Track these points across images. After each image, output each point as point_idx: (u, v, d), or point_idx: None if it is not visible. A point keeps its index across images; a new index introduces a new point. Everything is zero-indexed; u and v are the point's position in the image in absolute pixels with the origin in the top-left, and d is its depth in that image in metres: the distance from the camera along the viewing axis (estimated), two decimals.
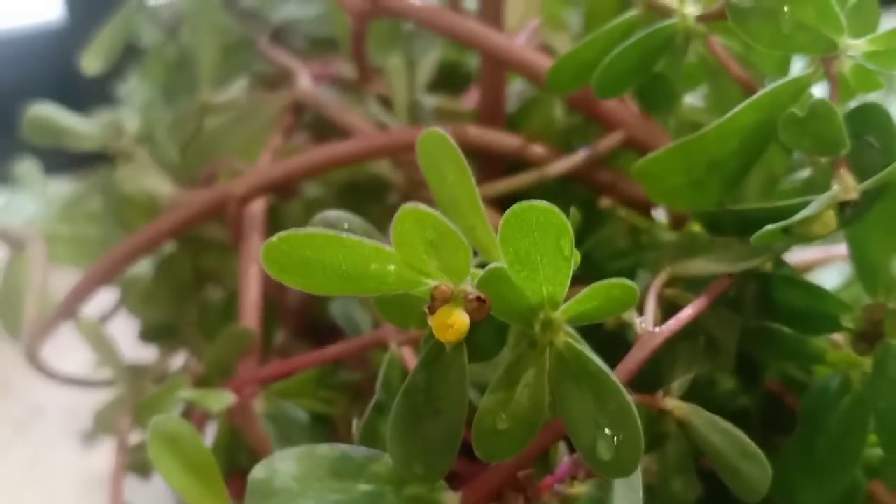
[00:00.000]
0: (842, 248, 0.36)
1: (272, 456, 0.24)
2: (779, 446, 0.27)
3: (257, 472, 0.23)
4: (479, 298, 0.20)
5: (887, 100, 0.53)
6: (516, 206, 0.20)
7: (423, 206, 0.18)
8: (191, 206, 0.34)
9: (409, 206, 0.18)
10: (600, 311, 0.22)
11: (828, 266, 0.37)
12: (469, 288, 0.21)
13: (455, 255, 0.19)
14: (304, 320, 0.43)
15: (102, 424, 0.42)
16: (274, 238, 0.19)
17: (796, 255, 0.35)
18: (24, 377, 0.63)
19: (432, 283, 0.20)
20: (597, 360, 0.21)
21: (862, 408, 0.25)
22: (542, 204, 0.19)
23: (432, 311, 0.20)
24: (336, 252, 0.19)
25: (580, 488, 0.25)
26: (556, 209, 0.19)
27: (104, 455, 0.55)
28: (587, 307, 0.22)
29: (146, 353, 0.43)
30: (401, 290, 0.21)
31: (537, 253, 0.20)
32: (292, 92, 0.37)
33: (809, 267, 0.36)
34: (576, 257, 0.21)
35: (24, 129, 0.40)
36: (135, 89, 0.46)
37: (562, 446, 0.27)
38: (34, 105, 0.40)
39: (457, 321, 0.20)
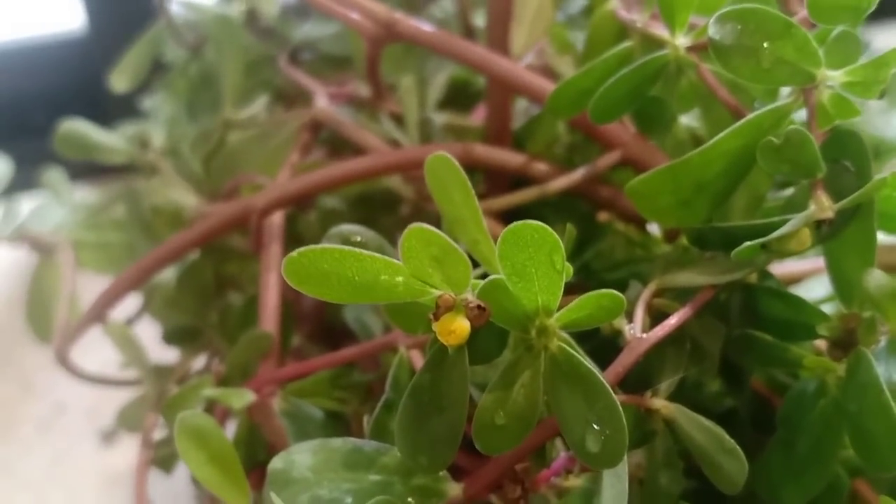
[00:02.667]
0: None
1: (290, 448, 0.26)
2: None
3: (276, 463, 0.25)
4: (479, 306, 0.23)
5: (888, 114, 0.55)
6: (513, 225, 0.22)
7: (427, 227, 0.20)
8: (215, 218, 0.36)
9: (415, 226, 0.20)
10: (591, 318, 0.24)
11: (820, 276, 0.39)
12: (470, 297, 0.23)
13: (456, 269, 0.21)
14: (319, 325, 0.45)
15: (126, 422, 0.45)
16: (294, 253, 0.21)
17: (790, 267, 0.37)
18: (46, 376, 0.65)
19: (437, 292, 0.23)
20: (587, 362, 0.23)
21: (837, 411, 0.26)
22: (536, 223, 0.21)
23: (437, 317, 0.23)
24: (350, 265, 0.21)
25: (575, 482, 0.27)
26: (548, 228, 0.22)
27: (125, 452, 0.57)
28: (579, 315, 0.24)
29: (167, 356, 0.45)
30: (408, 299, 0.23)
31: (532, 266, 0.22)
32: (310, 111, 0.39)
33: (802, 277, 0.38)
34: (567, 270, 0.23)
35: (56, 143, 0.42)
36: (160, 104, 0.48)
37: (558, 443, 0.29)
38: (65, 120, 0.42)
39: (458, 327, 0.22)
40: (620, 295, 0.23)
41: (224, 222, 0.36)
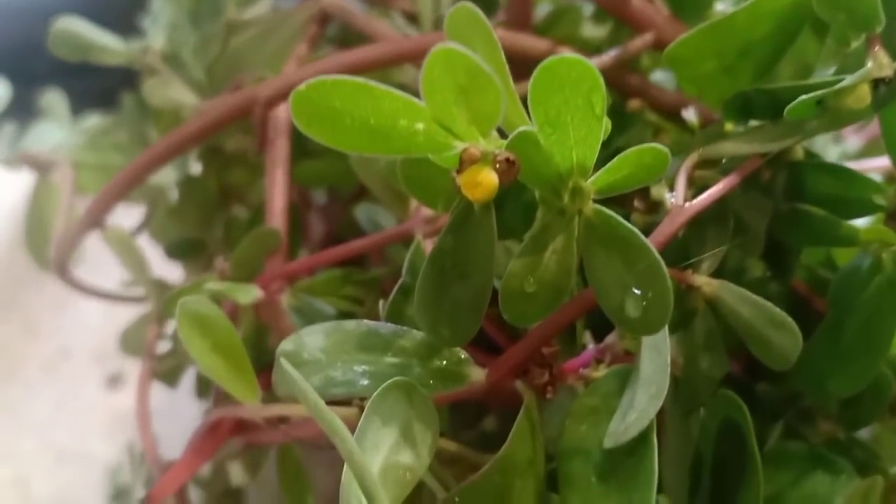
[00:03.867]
0: (874, 162, 0.36)
1: (301, 331, 0.24)
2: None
3: (286, 345, 0.24)
4: (507, 159, 0.20)
5: None
6: (547, 61, 0.19)
7: (454, 46, 0.18)
8: (216, 111, 0.34)
9: (440, 47, 0.18)
10: (631, 178, 0.22)
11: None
12: (498, 150, 0.20)
13: (486, 100, 0.19)
14: (329, 242, 0.43)
15: (129, 345, 0.43)
16: (302, 85, 0.19)
17: None
18: (52, 319, 0.64)
19: (461, 145, 0.20)
20: (626, 223, 0.21)
21: (892, 288, 0.24)
22: (574, 57, 0.19)
23: (461, 172, 0.20)
24: (365, 103, 0.19)
25: (605, 373, 0.25)
26: (587, 62, 0.19)
27: (131, 395, 0.56)
28: (617, 176, 0.22)
29: (172, 276, 0.44)
30: (429, 151, 0.20)
31: (568, 112, 0.20)
32: (318, 2, 0.37)
33: None
34: (607, 123, 0.21)
35: (50, 43, 0.40)
36: (159, 12, 0.46)
37: (588, 335, 0.27)
38: (60, 19, 0.40)
39: (486, 179, 0.20)
40: (664, 149, 0.21)
41: (226, 115, 0.33)
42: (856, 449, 0.30)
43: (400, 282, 0.26)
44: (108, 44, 0.40)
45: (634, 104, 0.32)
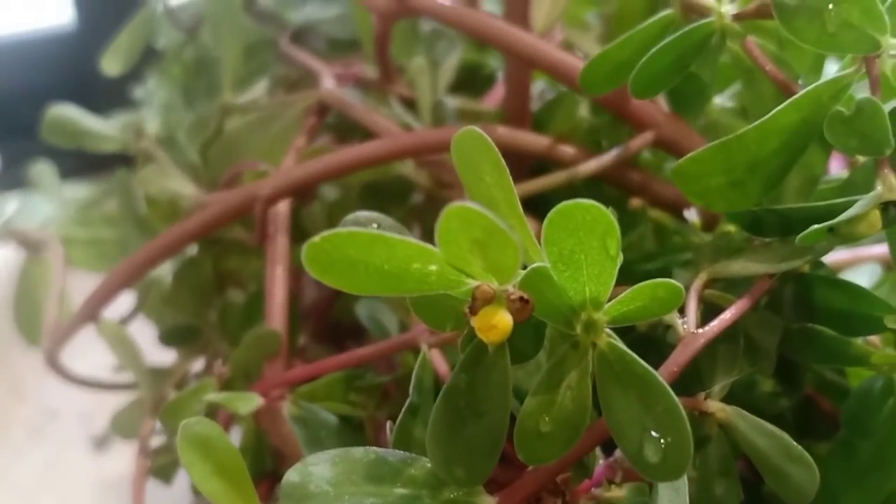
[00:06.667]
0: (870, 250, 0.35)
1: (306, 459, 0.23)
2: (813, 451, 0.27)
3: (291, 476, 0.23)
4: (521, 298, 0.20)
5: None
6: (562, 206, 0.19)
7: (470, 205, 0.17)
8: (216, 208, 0.33)
9: (455, 204, 0.17)
10: (644, 311, 0.21)
11: (857, 268, 0.36)
12: (511, 288, 0.20)
13: (503, 254, 0.18)
14: (323, 323, 0.42)
15: (120, 428, 0.42)
16: (317, 238, 0.18)
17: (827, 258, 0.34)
18: (37, 381, 0.63)
19: (473, 283, 0.20)
20: (642, 361, 0.20)
21: None
22: (589, 203, 0.19)
23: (474, 311, 0.20)
24: (379, 251, 0.19)
25: (617, 492, 0.25)
26: (602, 208, 0.19)
27: (119, 458, 0.54)
28: (631, 307, 0.21)
29: (163, 358, 0.43)
30: (441, 290, 0.20)
31: (582, 252, 0.20)
32: (316, 92, 0.36)
33: (838, 269, 0.36)
34: (621, 257, 0.21)
35: (44, 131, 0.39)
36: (153, 91, 0.45)
37: (597, 450, 0.26)
38: (54, 106, 0.40)
39: (501, 321, 0.20)
40: (678, 285, 0.21)
41: (226, 212, 0.33)
42: None
43: (408, 402, 0.25)
44: (101, 130, 0.40)
45: (636, 203, 0.32)
